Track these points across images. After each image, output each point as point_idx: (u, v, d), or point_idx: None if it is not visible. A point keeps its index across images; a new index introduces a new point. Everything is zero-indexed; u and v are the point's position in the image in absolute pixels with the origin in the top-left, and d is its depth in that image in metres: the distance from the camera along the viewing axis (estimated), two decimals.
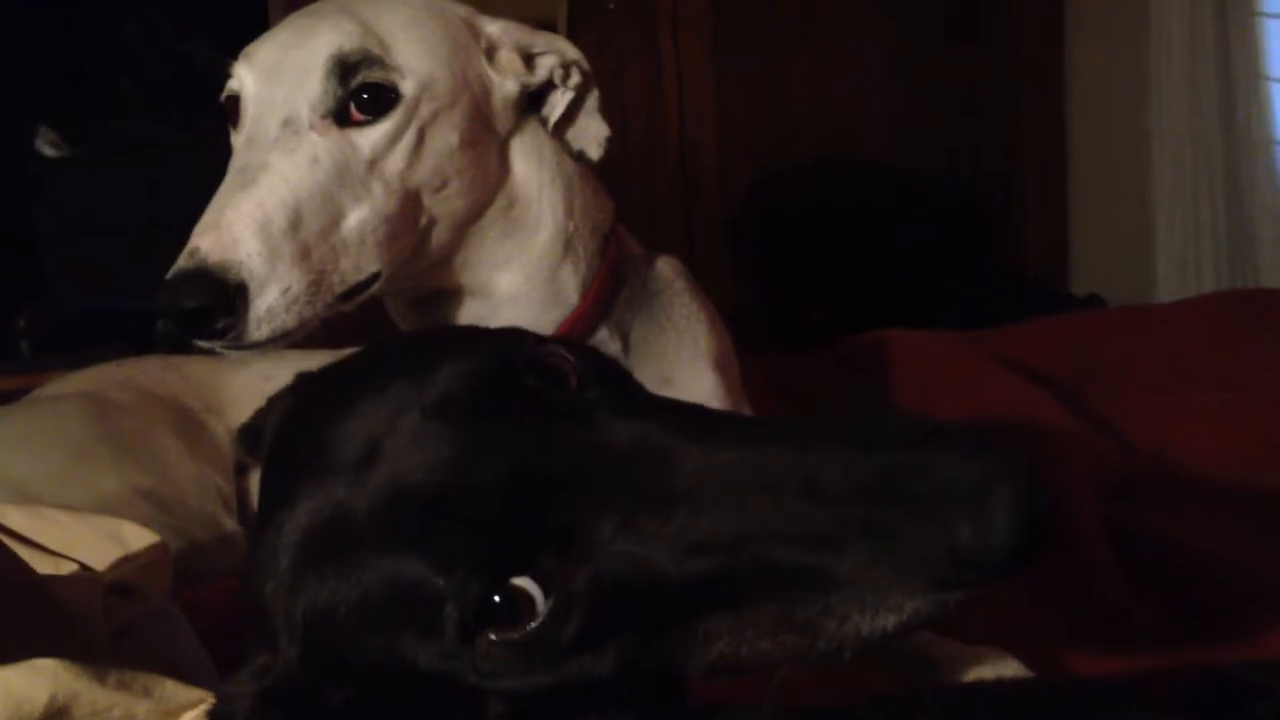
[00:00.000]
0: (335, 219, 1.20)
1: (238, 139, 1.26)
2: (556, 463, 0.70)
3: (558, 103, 1.39)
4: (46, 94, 3.56)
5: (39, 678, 0.64)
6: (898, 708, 0.86)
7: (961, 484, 0.66)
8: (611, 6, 3.33)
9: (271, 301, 1.14)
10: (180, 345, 1.22)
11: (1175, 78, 3.02)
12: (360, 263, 1.22)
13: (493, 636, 0.69)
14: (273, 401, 0.88)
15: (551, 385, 0.75)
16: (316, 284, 1.18)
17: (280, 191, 1.18)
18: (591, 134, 1.42)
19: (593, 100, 1.41)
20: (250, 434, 0.88)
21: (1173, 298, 2.97)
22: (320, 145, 1.21)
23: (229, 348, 1.17)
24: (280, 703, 0.70)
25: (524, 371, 0.74)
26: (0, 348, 3.49)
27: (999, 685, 1.04)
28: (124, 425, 1.59)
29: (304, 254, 1.17)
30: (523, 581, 0.69)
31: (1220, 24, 2.91)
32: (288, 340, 1.17)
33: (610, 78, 3.20)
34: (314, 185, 1.19)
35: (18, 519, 0.85)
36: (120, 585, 0.83)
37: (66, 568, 0.82)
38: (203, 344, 1.17)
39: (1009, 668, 1.10)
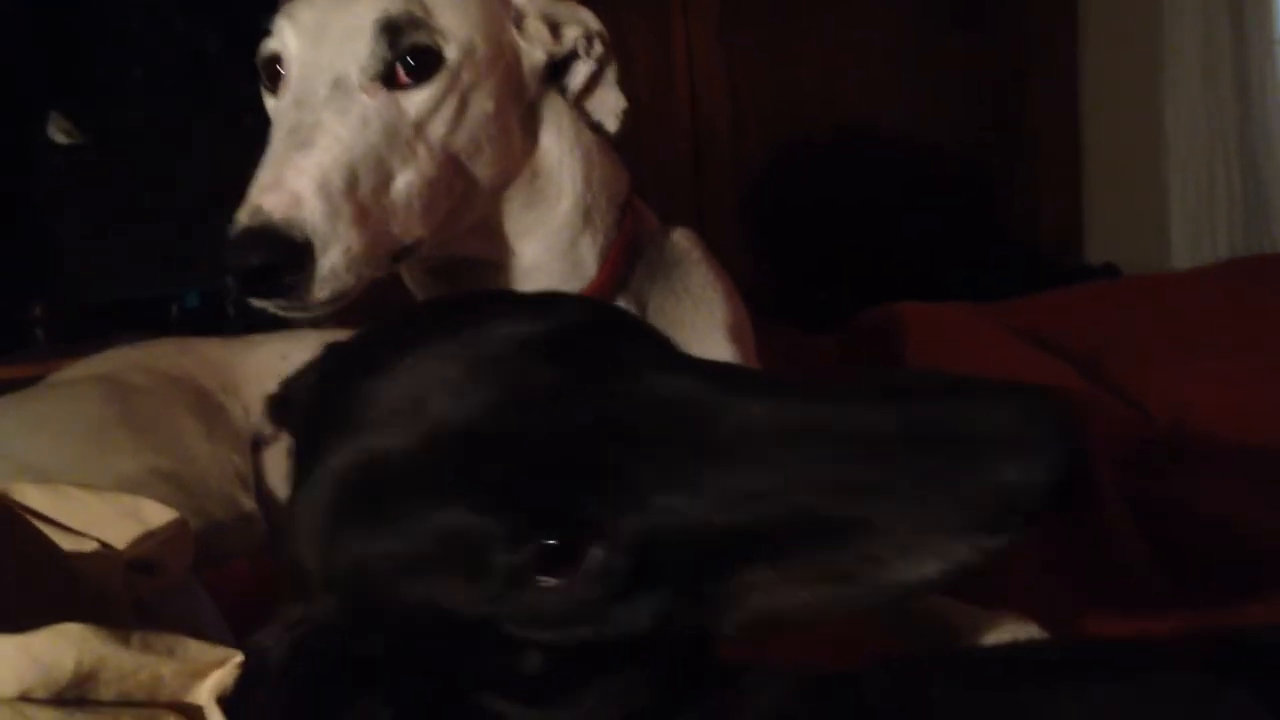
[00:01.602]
0: (386, 180, 1.22)
1: (280, 99, 1.27)
2: (602, 414, 0.70)
3: (579, 73, 1.40)
4: (58, 83, 3.57)
5: (64, 642, 0.64)
6: (910, 671, 0.86)
7: (1001, 426, 0.66)
8: None
9: (335, 260, 1.15)
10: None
11: (1188, 46, 3.01)
12: (409, 225, 1.23)
13: (540, 581, 0.69)
14: (302, 370, 0.88)
15: (593, 344, 0.75)
16: (372, 245, 1.19)
17: (335, 151, 1.19)
18: (610, 106, 1.44)
19: (611, 72, 1.42)
20: (278, 403, 0.88)
21: (1188, 266, 2.97)
22: (370, 107, 1.22)
23: (288, 308, 1.18)
24: (315, 652, 0.70)
25: (568, 329, 0.75)
26: (17, 336, 3.50)
27: (1016, 648, 1.04)
28: (141, 407, 1.59)
29: (361, 214, 1.18)
30: (570, 529, 0.69)
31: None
32: (344, 301, 1.18)
33: (620, 55, 3.19)
34: (366, 146, 1.21)
35: (39, 498, 0.85)
36: (141, 562, 0.84)
37: (88, 545, 0.83)
38: (261, 303, 1.19)
39: (1028, 631, 1.10)
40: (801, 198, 3.50)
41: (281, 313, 1.20)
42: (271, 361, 1.70)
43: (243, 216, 1.15)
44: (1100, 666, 0.85)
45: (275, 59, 1.29)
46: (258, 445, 1.66)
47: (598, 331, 0.76)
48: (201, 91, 3.52)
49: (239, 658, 0.69)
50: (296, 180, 1.16)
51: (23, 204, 3.52)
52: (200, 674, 0.68)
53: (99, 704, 0.65)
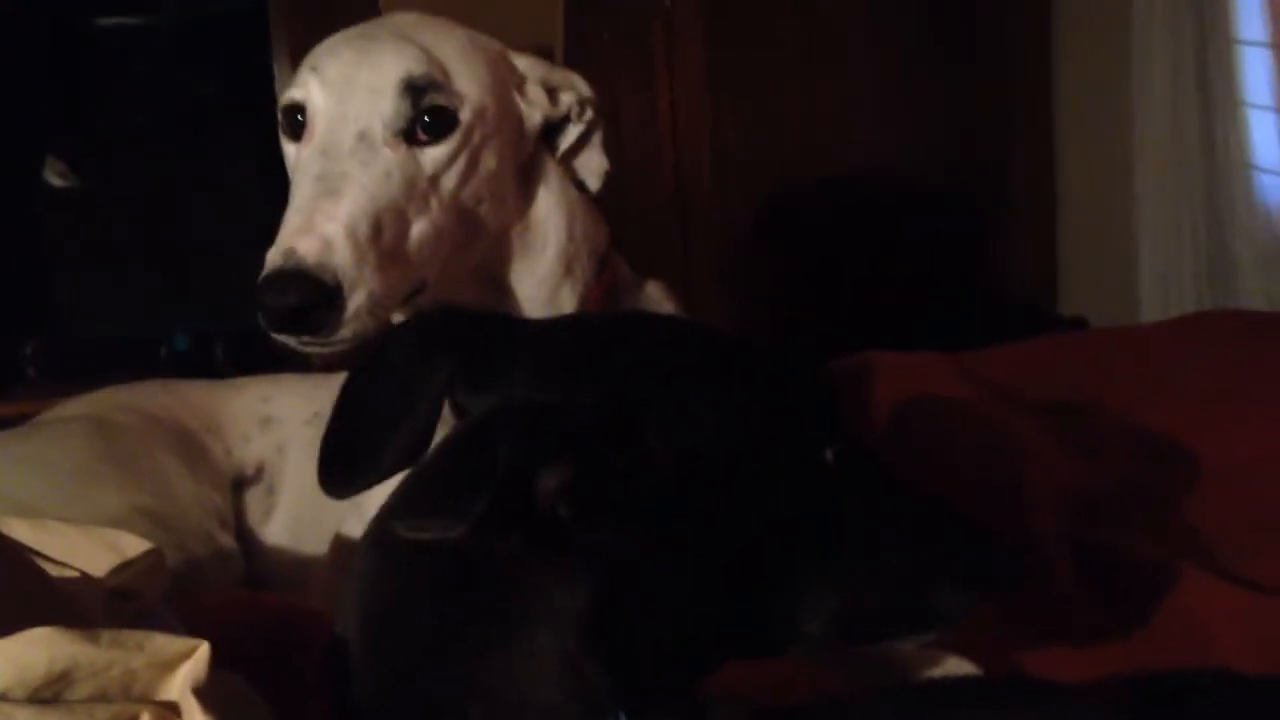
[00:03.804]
0: (404, 229, 1.31)
1: (304, 147, 1.35)
2: None
3: (570, 135, 1.49)
4: (54, 126, 3.61)
5: (35, 645, 0.69)
6: (854, 705, 0.91)
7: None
8: (607, 37, 3.39)
9: (360, 302, 1.24)
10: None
11: (1157, 105, 3.08)
12: (421, 271, 1.33)
13: None
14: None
15: None
16: (392, 288, 1.29)
17: (361, 201, 1.28)
18: (594, 166, 1.54)
19: (598, 136, 1.52)
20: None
21: (1156, 319, 3.02)
22: (392, 160, 1.32)
23: (312, 344, 1.27)
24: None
25: None
26: (8, 374, 3.53)
27: (951, 683, 1.09)
28: (126, 446, 1.64)
29: (383, 260, 1.27)
30: None
31: (1200, 52, 2.97)
32: (363, 339, 1.26)
33: (605, 108, 3.24)
34: (389, 197, 1.30)
35: (23, 531, 0.91)
36: (119, 591, 0.89)
37: (70, 574, 0.88)
38: (285, 338, 1.28)
39: (964, 668, 1.16)
40: (782, 248, 3.55)
41: (304, 349, 1.28)
42: (253, 404, 1.76)
43: (276, 257, 1.24)
44: (1029, 704, 0.90)
45: (298, 108, 1.37)
46: (239, 486, 1.71)
47: None
48: (196, 137, 3.57)
49: (205, 648, 0.73)
50: (326, 226, 1.25)
51: (18, 243, 3.56)
52: (171, 666, 0.72)
53: (74, 702, 0.70)
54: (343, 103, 1.33)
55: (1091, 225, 3.51)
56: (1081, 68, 3.51)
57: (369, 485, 0.95)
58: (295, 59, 3.14)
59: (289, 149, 1.39)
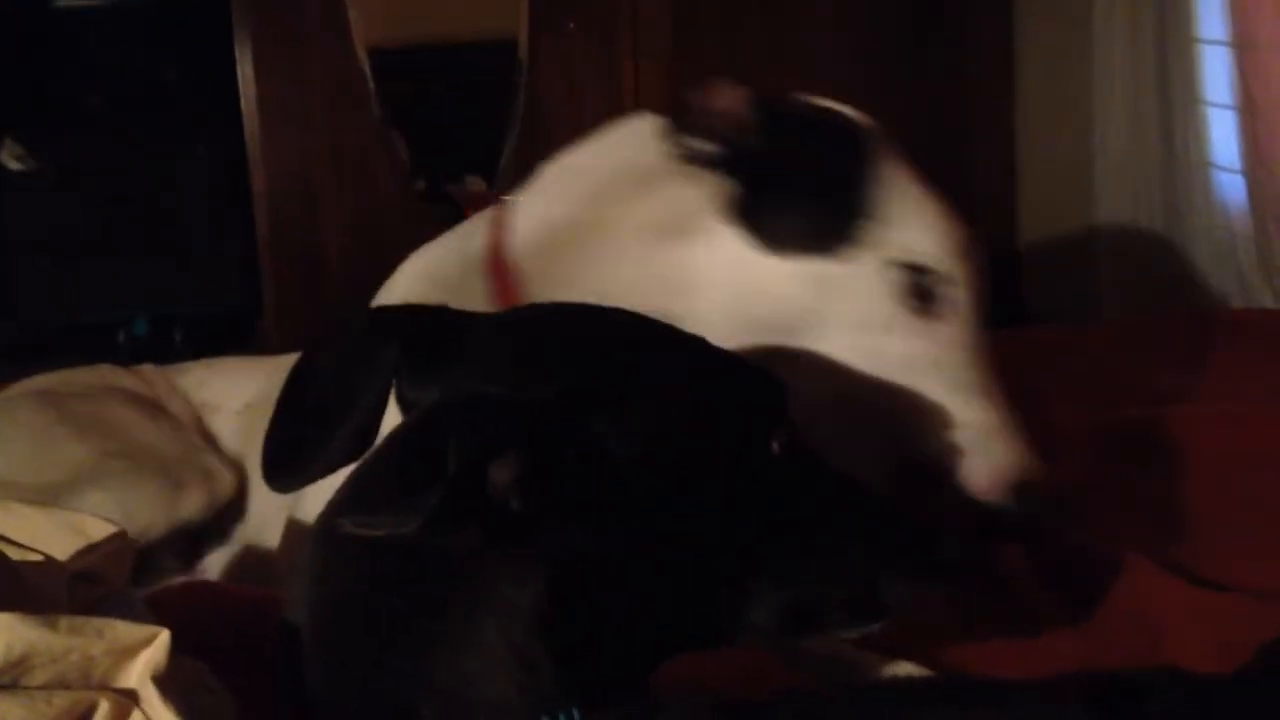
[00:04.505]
0: None
1: (939, 327, 1.31)
2: None
3: None
4: (11, 109, 3.58)
5: None
6: (808, 703, 0.92)
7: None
8: (571, 27, 3.38)
9: None
10: None
11: (1117, 103, 3.10)
12: None
13: None
14: None
15: None
16: None
17: None
18: None
19: None
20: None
21: (1115, 316, 3.05)
22: None
23: None
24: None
25: None
26: None
27: (906, 682, 1.10)
28: (78, 409, 1.64)
29: None
30: None
31: (1160, 51, 2.99)
32: None
33: (569, 97, 3.25)
34: None
35: None
36: (84, 574, 0.88)
37: (32, 557, 0.87)
38: None
39: (914, 667, 1.17)
40: None
41: None
42: (191, 387, 1.76)
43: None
44: (983, 702, 0.91)
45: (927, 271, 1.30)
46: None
47: None
48: (156, 121, 3.54)
49: (165, 635, 0.73)
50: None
51: None
52: (130, 653, 0.72)
53: (32, 688, 0.69)
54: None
55: (1051, 223, 3.53)
56: (1042, 66, 3.53)
57: (314, 479, 0.95)
58: (256, 45, 3.15)
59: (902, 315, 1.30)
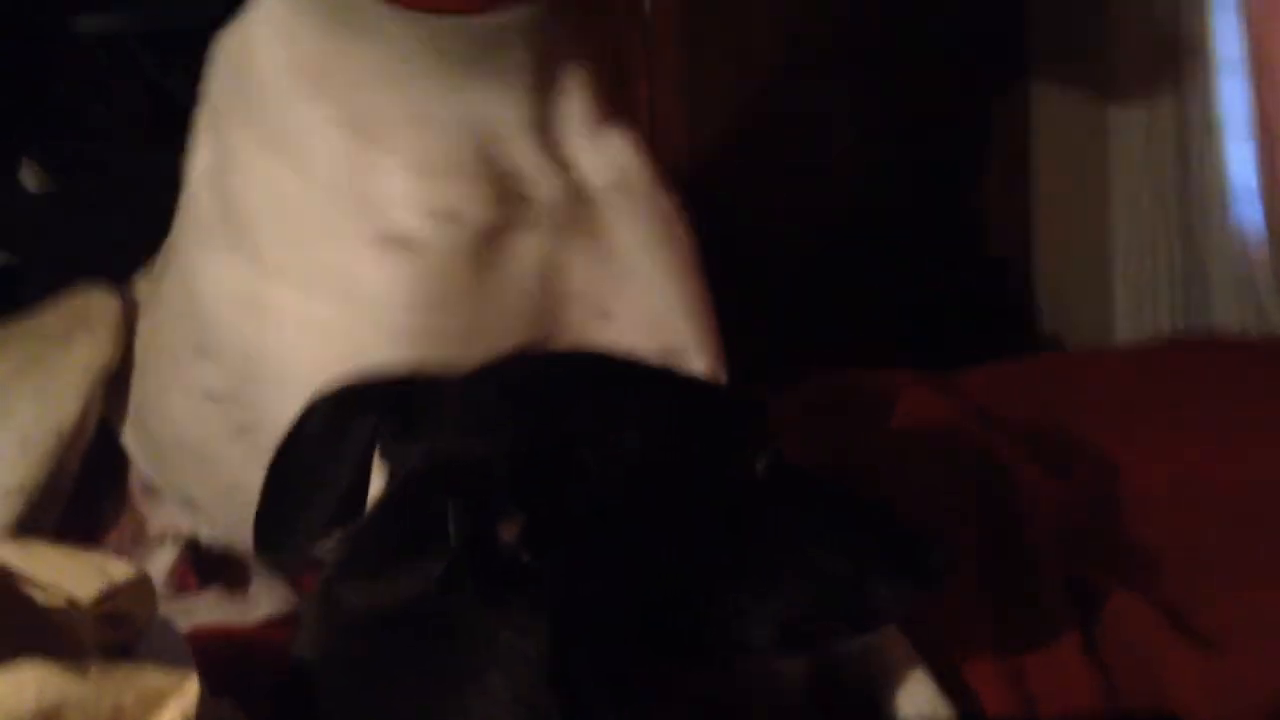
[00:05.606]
0: None
1: None
2: None
3: None
4: (31, 131, 3.58)
5: (23, 683, 0.69)
6: None
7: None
8: None
9: None
10: None
11: (1133, 127, 3.10)
12: None
13: None
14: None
15: None
16: None
17: None
18: None
19: None
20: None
21: (1130, 340, 3.04)
22: None
23: None
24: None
25: None
26: None
27: None
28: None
29: None
30: None
31: (1176, 74, 2.99)
32: None
33: None
34: None
35: (9, 554, 0.91)
36: (110, 617, 0.89)
37: (56, 600, 0.88)
38: None
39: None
40: (761, 253, 3.54)
41: None
42: None
43: None
44: None
45: None
46: None
47: None
48: (178, 144, 3.54)
49: (195, 683, 0.73)
50: None
51: None
52: (160, 699, 0.72)
53: None
54: None
55: (1066, 246, 3.52)
56: (1057, 90, 3.52)
57: (304, 546, 0.98)
58: None
59: None
